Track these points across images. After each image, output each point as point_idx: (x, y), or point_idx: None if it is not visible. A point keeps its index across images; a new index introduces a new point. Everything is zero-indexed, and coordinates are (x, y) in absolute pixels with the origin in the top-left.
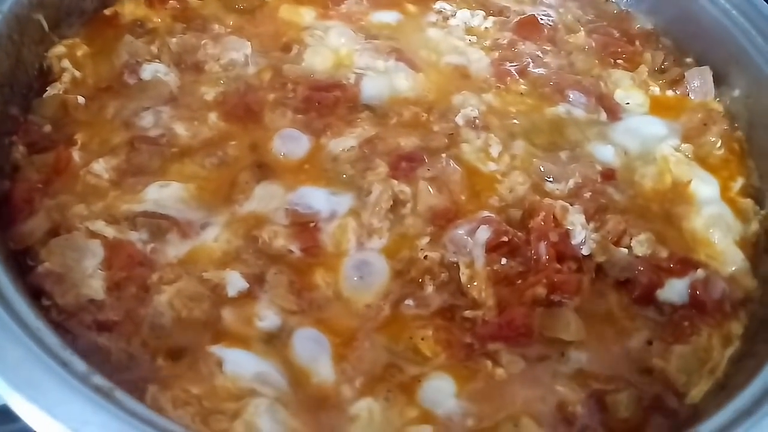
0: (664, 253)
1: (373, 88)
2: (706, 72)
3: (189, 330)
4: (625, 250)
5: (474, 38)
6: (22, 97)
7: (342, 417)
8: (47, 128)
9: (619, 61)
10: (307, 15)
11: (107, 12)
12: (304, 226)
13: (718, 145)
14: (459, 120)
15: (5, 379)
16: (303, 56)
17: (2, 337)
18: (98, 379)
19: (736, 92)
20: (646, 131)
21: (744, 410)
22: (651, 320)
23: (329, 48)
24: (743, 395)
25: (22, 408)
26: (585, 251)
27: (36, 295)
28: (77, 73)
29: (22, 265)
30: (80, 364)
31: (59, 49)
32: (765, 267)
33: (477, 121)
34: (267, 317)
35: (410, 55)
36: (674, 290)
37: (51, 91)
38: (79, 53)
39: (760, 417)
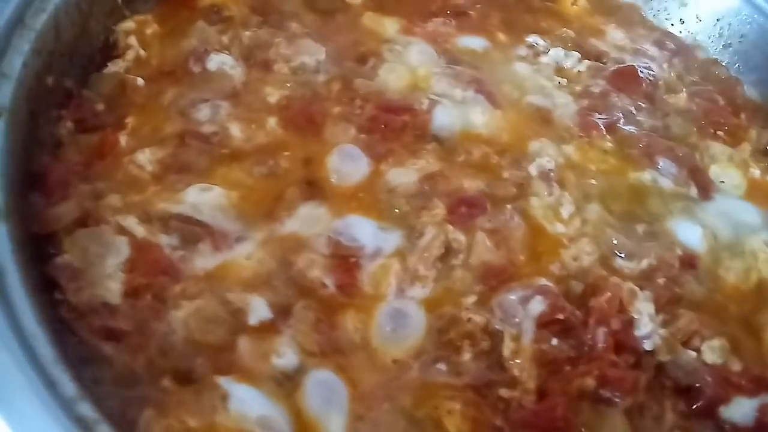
0: (736, 366)
1: (445, 118)
2: None
3: (200, 354)
4: (694, 354)
5: (564, 81)
6: (80, 69)
7: None
8: (100, 107)
9: (719, 133)
10: (390, 27)
11: None
12: (344, 259)
13: None
14: (532, 169)
15: None
16: (378, 71)
17: None
18: (84, 408)
19: None
20: (738, 218)
21: None
22: None
23: (407, 66)
24: None
25: None
26: (648, 346)
27: (50, 287)
28: (142, 53)
29: (43, 252)
30: (70, 387)
31: (129, 24)
32: None
33: (552, 174)
34: (285, 355)
35: (491, 88)
36: (740, 409)
37: (112, 67)
38: (149, 31)
39: None
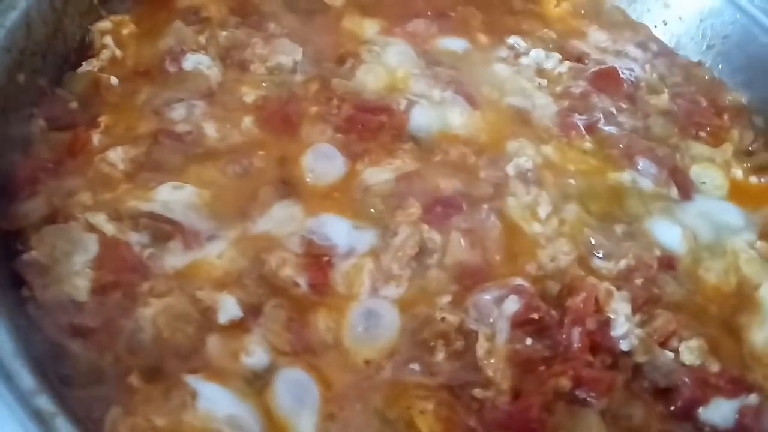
0: (715, 367)
1: (422, 119)
2: None
3: (168, 353)
4: (671, 355)
5: (544, 81)
6: (54, 68)
7: None
8: (73, 105)
9: (701, 134)
10: (370, 28)
11: None
12: (317, 258)
13: None
14: (510, 169)
15: None
16: (356, 72)
17: None
18: (42, 401)
19: None
20: (720, 219)
21: None
22: None
23: (385, 67)
24: None
25: None
26: (624, 346)
27: (17, 284)
28: (118, 52)
29: (11, 249)
30: (28, 380)
31: (105, 24)
32: None
33: (530, 174)
34: (255, 353)
35: (470, 89)
36: (719, 411)
37: (86, 66)
38: (125, 31)
39: None
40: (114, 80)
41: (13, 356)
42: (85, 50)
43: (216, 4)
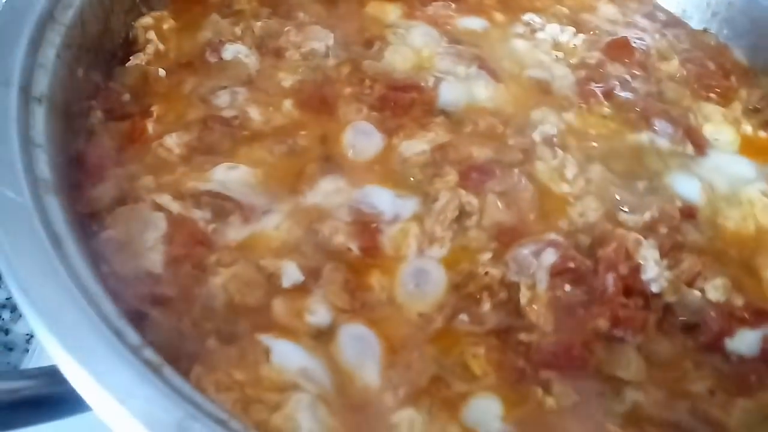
0: (739, 301)
1: (450, 94)
2: None
3: (240, 315)
4: (698, 293)
5: (561, 54)
6: (105, 63)
7: (382, 424)
8: (126, 97)
9: (711, 95)
10: (392, 13)
11: None
12: (365, 225)
13: None
14: (536, 136)
15: (60, 340)
16: (384, 54)
17: (62, 299)
18: (149, 353)
19: None
20: (734, 171)
21: None
22: (716, 369)
23: (411, 48)
24: None
25: (72, 371)
26: (655, 288)
27: (95, 261)
28: (161, 46)
29: (87, 230)
30: (133, 336)
31: (147, 20)
32: None
33: (554, 139)
34: (318, 312)
35: (493, 64)
36: (745, 341)
37: (134, 60)
38: (165, 26)
39: None
40: (161, 72)
41: (117, 317)
42: (131, 45)
43: None
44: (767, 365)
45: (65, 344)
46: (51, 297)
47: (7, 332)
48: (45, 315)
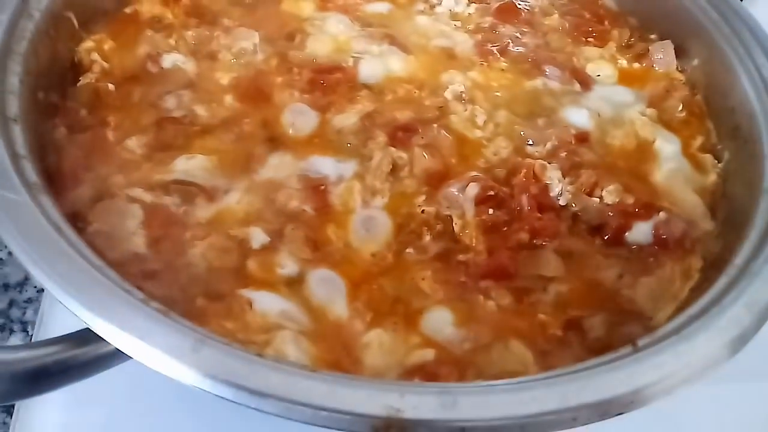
0: (630, 200)
1: (369, 70)
2: (668, 45)
3: (221, 276)
4: (597, 200)
5: (458, 23)
6: (59, 85)
7: (356, 345)
8: (83, 112)
9: (590, 39)
10: (306, 7)
11: (128, 10)
12: (315, 189)
13: (680, 108)
14: (447, 95)
15: (89, 309)
16: (306, 43)
17: (76, 272)
18: (155, 304)
19: (695, 62)
20: (616, 99)
21: (693, 316)
22: (621, 258)
23: (329, 35)
24: (693, 306)
25: (101, 328)
26: (562, 202)
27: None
28: (105, 65)
29: (75, 227)
30: (138, 293)
31: (88, 44)
32: (722, 211)
33: (463, 95)
34: (287, 265)
35: (402, 39)
36: (640, 232)
37: (84, 80)
38: (106, 47)
39: (706, 320)
40: (111, 86)
41: (121, 281)
42: (78, 67)
43: (172, 11)
44: (661, 249)
45: (90, 307)
46: (67, 272)
47: None
48: (67, 286)
